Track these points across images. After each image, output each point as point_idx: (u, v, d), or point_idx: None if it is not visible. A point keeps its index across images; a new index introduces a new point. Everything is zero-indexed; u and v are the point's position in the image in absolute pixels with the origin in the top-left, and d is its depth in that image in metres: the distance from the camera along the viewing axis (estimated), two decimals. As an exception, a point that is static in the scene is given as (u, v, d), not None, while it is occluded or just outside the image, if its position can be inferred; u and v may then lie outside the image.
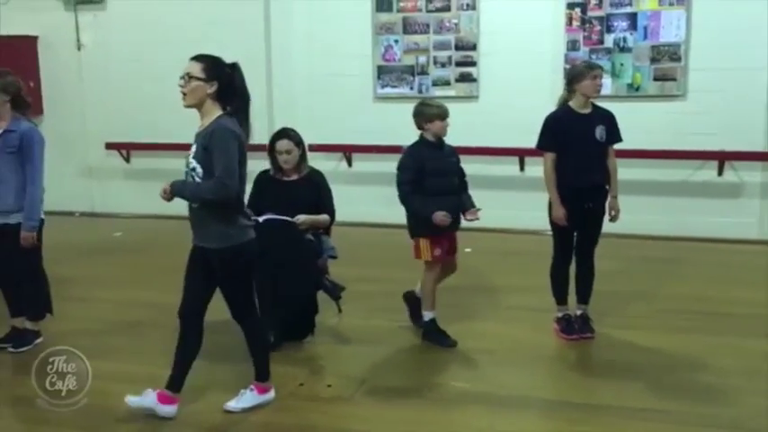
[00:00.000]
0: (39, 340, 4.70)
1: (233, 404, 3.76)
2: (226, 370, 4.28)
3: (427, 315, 4.67)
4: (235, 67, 3.56)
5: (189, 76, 3.45)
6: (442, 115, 4.57)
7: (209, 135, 3.42)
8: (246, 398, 3.79)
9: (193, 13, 8.45)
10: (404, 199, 4.55)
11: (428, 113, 4.58)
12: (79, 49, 8.96)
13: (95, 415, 3.73)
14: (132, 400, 3.69)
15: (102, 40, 8.90)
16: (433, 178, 4.49)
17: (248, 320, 3.77)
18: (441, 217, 4.44)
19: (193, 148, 3.50)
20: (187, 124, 9.40)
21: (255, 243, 3.66)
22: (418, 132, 8.45)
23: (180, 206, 9.30)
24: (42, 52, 8.96)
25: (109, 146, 9.03)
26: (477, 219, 4.62)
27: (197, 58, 3.51)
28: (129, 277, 6.42)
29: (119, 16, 8.78)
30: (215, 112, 3.49)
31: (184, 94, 3.48)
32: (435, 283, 4.67)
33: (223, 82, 3.47)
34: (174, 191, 3.51)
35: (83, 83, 9.01)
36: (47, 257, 4.82)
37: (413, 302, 4.91)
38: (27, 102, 4.60)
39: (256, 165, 7.89)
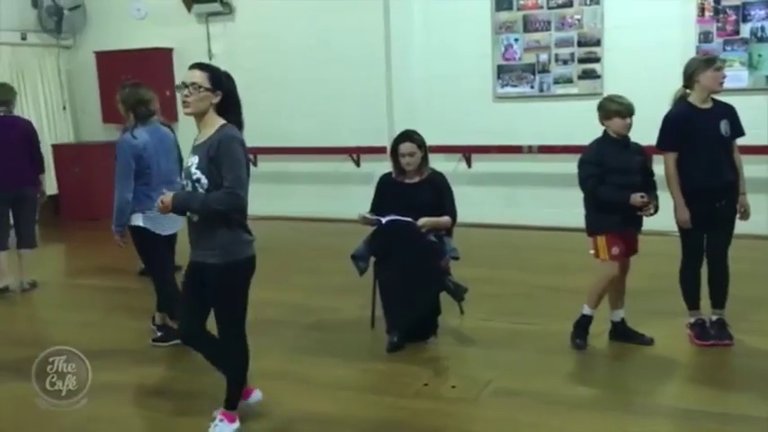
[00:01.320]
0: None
1: None
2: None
3: (586, 309, 4.52)
4: (228, 76, 3.46)
5: (196, 86, 3.31)
6: (622, 113, 4.39)
7: (215, 145, 3.30)
8: (217, 428, 3.54)
9: (315, 20, 8.70)
10: (591, 192, 4.39)
11: (607, 109, 4.42)
12: (210, 58, 9.39)
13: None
14: None
15: (230, 49, 9.31)
16: (614, 175, 4.33)
17: (235, 344, 3.52)
18: (638, 198, 4.28)
19: (194, 159, 3.35)
20: (312, 129, 9.71)
21: (255, 260, 3.52)
22: (540, 132, 8.33)
23: (304, 208, 9.53)
24: (177, 63, 9.47)
25: (237, 150, 9.42)
26: (650, 214, 4.39)
27: (200, 67, 3.40)
28: (258, 277, 6.66)
29: (246, 26, 9.15)
30: (216, 121, 3.38)
31: (187, 103, 3.33)
32: (608, 284, 4.48)
33: (225, 92, 3.39)
34: (178, 203, 3.34)
35: (213, 91, 9.44)
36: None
37: (625, 333, 4.63)
38: (147, 111, 4.77)
39: (376, 166, 8.10)
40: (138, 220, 4.66)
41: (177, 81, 9.14)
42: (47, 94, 10.02)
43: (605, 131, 4.49)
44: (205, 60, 9.21)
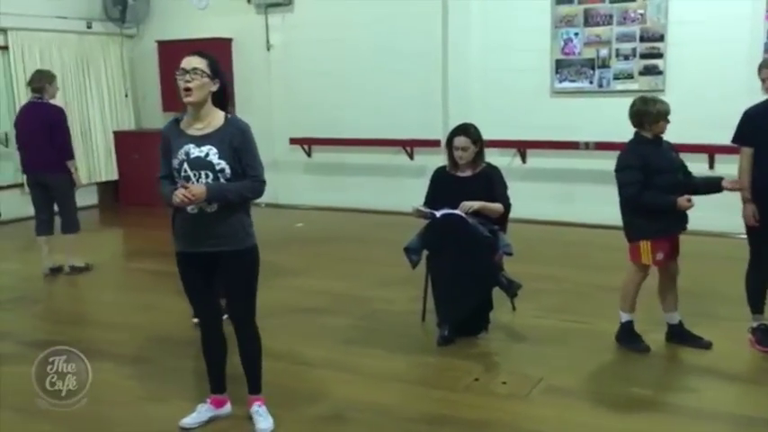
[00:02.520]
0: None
1: (267, 425, 3.53)
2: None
3: (624, 316, 4.48)
4: (222, 69, 3.43)
5: (198, 71, 3.26)
6: (668, 114, 4.29)
7: (239, 135, 3.31)
8: (265, 414, 3.58)
9: (373, 12, 8.72)
10: (634, 198, 4.27)
11: (654, 114, 4.26)
12: (269, 49, 9.52)
13: (283, 393, 3.93)
14: (188, 422, 3.60)
15: (288, 40, 9.40)
16: (659, 175, 4.23)
17: (251, 327, 3.55)
18: (685, 201, 4.19)
19: (208, 149, 3.27)
20: (366, 121, 9.74)
21: None
22: (598, 129, 8.14)
23: (357, 199, 9.51)
24: (236, 53, 9.61)
25: (292, 141, 9.52)
26: (738, 187, 4.26)
27: (200, 54, 3.34)
28: (308, 266, 6.75)
29: (304, 17, 9.22)
30: (217, 111, 3.36)
31: (189, 90, 3.26)
32: (637, 286, 4.43)
33: (221, 82, 3.36)
34: (213, 194, 3.25)
35: (270, 81, 9.57)
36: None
37: (682, 336, 4.52)
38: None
39: (429, 160, 8.07)
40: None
41: (235, 71, 9.45)
42: (110, 82, 10.29)
43: (638, 133, 4.37)
44: (264, 51, 9.46)
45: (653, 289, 4.52)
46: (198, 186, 3.23)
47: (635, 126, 4.38)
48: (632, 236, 4.40)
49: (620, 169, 4.35)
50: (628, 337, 4.47)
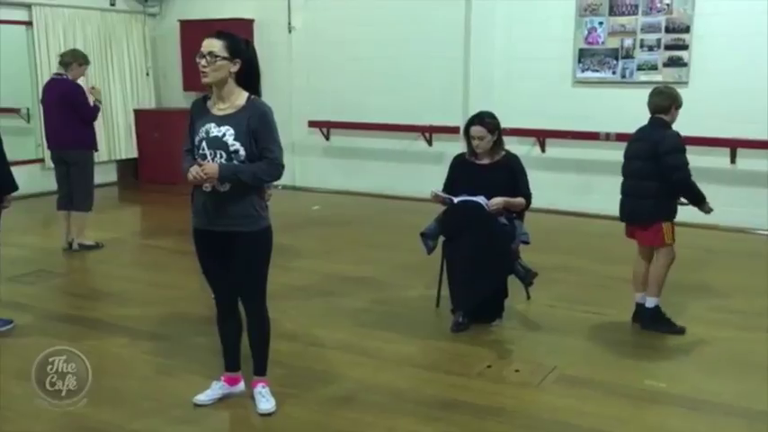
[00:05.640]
0: None
1: (269, 406, 3.56)
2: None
3: (654, 301, 4.52)
4: (249, 44, 3.41)
5: (213, 55, 3.27)
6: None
7: (257, 117, 3.30)
8: (268, 395, 3.61)
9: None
10: (686, 181, 4.38)
11: (681, 101, 4.48)
12: (290, 31, 9.50)
13: (297, 374, 3.98)
14: (201, 399, 3.65)
15: (310, 23, 9.38)
16: None
17: (260, 309, 3.55)
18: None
19: (225, 129, 3.30)
20: (386, 106, 9.70)
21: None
22: (619, 120, 8.07)
23: (374, 184, 9.52)
24: (258, 34, 9.59)
25: (311, 123, 9.53)
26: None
27: (218, 35, 3.33)
28: (324, 249, 6.77)
29: (327, 0, 9.19)
30: (240, 91, 3.36)
31: (205, 73, 3.28)
32: (669, 268, 4.53)
33: (244, 60, 3.35)
34: (226, 174, 3.27)
35: (291, 64, 9.56)
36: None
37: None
38: None
39: (447, 146, 8.03)
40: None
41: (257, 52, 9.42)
42: (131, 60, 10.33)
43: (662, 118, 4.46)
44: (285, 33, 9.45)
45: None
46: (211, 165, 3.26)
47: (660, 112, 4.44)
48: (656, 218, 4.45)
49: (671, 151, 4.36)
50: (661, 320, 4.52)
